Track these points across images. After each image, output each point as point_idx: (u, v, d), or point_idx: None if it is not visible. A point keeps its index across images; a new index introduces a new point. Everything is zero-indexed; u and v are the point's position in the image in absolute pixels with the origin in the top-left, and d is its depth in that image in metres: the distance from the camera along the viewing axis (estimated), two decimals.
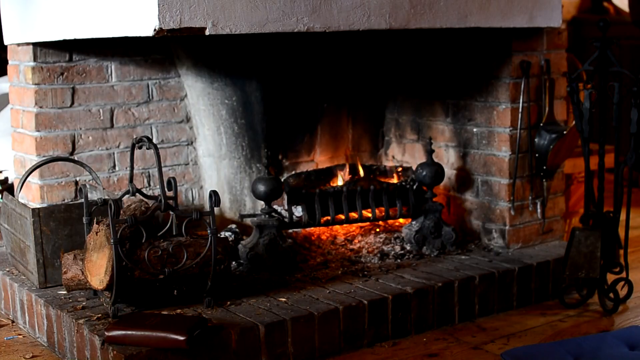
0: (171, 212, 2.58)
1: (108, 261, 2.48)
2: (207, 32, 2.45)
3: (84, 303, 2.67)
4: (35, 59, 3.02)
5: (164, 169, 3.18)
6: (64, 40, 2.87)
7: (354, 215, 3.21)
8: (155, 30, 2.35)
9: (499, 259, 3.16)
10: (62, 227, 2.83)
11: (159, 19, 2.33)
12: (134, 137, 3.06)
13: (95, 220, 2.61)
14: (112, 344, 2.32)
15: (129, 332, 2.32)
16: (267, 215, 3.07)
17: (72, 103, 3.10)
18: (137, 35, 2.45)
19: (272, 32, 2.56)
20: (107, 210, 2.47)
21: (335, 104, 3.51)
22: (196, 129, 3.36)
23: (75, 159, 3.10)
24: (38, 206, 2.94)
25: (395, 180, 3.43)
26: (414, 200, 3.28)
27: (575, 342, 2.44)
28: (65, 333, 2.58)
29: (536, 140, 3.26)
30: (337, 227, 3.36)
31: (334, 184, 3.35)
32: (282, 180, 3.18)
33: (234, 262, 3.03)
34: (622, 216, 3.03)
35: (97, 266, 2.52)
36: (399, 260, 3.13)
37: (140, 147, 2.62)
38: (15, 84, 3.18)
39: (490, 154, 3.31)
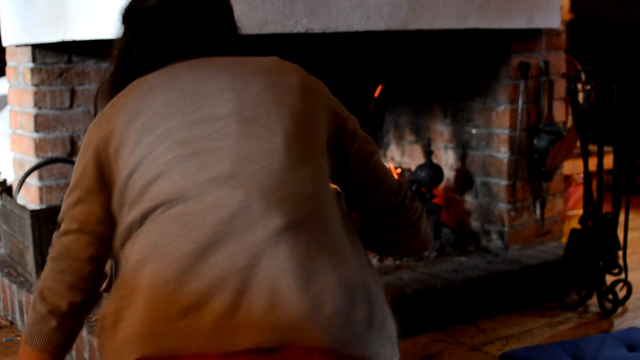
0: None
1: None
2: None
3: None
4: (34, 60, 3.02)
5: None
6: (63, 42, 2.87)
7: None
8: None
9: (498, 260, 3.16)
10: None
11: None
12: None
13: None
14: None
15: None
16: None
17: (71, 104, 3.10)
18: None
19: (271, 34, 2.56)
20: None
21: None
22: None
23: (74, 160, 3.09)
24: (37, 207, 2.94)
25: None
26: None
27: (574, 343, 2.43)
28: None
29: (535, 141, 3.26)
30: None
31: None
32: None
33: None
34: (622, 217, 3.04)
35: None
36: (397, 262, 3.13)
37: None
38: (14, 85, 3.18)
39: (489, 155, 3.31)
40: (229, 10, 1.71)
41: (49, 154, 3.08)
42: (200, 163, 1.37)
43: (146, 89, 1.50)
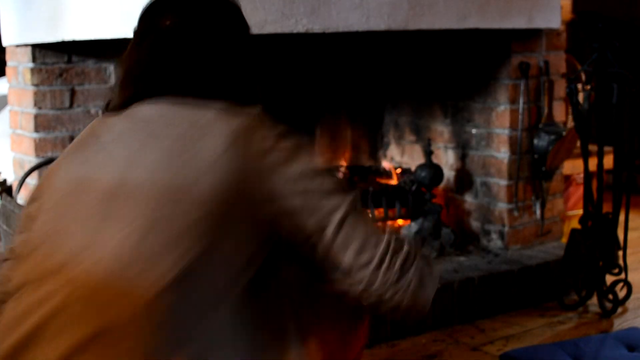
0: None
1: None
2: None
3: None
4: (34, 61, 3.02)
5: None
6: (63, 42, 2.87)
7: None
8: None
9: (498, 260, 3.16)
10: None
11: None
12: None
13: None
14: None
15: None
16: None
17: (71, 104, 3.10)
18: None
19: (271, 33, 2.56)
20: None
21: (334, 105, 3.51)
22: None
23: None
24: None
25: (394, 181, 3.43)
26: (413, 202, 3.28)
27: (574, 343, 2.44)
28: None
29: (535, 141, 3.26)
30: None
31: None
32: None
33: None
34: (622, 217, 3.04)
35: None
36: None
37: None
38: (14, 85, 3.18)
39: (489, 155, 3.31)
40: (230, 38, 1.55)
41: (49, 154, 3.08)
42: (50, 248, 1.35)
43: (73, 147, 1.48)
